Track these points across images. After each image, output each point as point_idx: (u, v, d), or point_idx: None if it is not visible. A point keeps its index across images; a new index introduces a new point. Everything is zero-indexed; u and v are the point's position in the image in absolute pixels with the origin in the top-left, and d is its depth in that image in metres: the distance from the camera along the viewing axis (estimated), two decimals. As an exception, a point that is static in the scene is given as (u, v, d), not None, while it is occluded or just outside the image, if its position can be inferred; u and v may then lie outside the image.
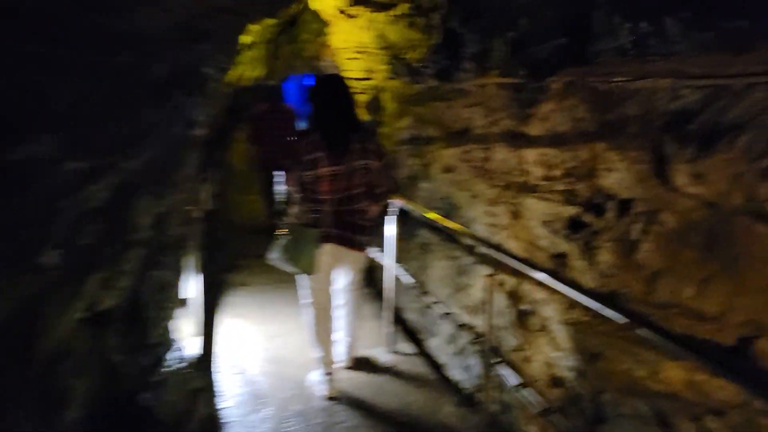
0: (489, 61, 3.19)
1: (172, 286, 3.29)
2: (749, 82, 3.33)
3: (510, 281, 4.38)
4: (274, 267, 5.23)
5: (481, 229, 5.03)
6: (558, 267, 4.15)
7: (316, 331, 3.98)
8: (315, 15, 10.81)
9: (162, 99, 2.51)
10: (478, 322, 4.45)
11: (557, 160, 4.52)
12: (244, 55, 9.96)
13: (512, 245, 4.59)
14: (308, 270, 3.54)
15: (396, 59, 4.64)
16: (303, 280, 3.95)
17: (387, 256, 4.64)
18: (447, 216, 6.00)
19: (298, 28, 11.31)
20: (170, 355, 3.26)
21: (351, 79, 9.08)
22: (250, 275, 6.21)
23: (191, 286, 4.55)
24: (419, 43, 4.39)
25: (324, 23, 10.35)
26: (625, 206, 4.07)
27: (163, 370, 2.96)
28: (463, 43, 3.24)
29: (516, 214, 4.76)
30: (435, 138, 6.29)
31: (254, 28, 9.87)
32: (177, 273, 3.51)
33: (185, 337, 4.26)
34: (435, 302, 4.58)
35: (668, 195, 3.58)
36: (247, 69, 10.21)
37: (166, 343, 3.23)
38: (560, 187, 4.54)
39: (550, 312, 4.03)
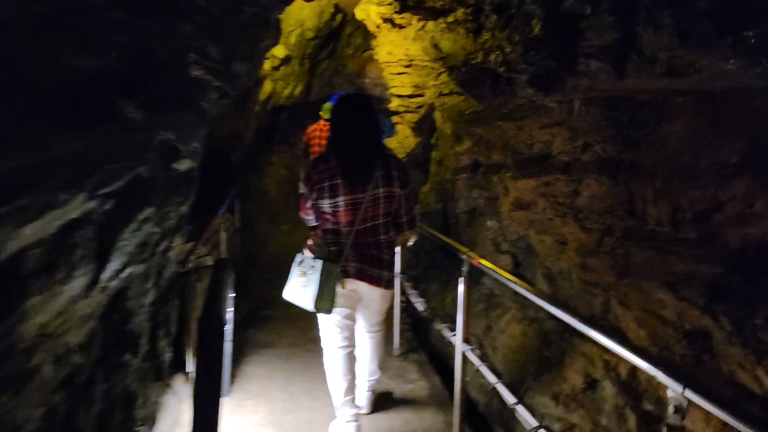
0: (642, 55, 2.03)
1: (137, 396, 2.18)
2: None
3: (624, 365, 3.18)
4: (308, 319, 4.21)
5: (573, 288, 3.83)
6: (697, 353, 2.94)
7: (332, 373, 3.45)
8: (359, 27, 9.86)
9: (94, 114, 1.40)
10: (578, 420, 3.24)
11: (687, 198, 3.31)
12: (279, 71, 9.04)
13: (621, 314, 3.39)
14: (326, 309, 3.10)
15: (465, 66, 3.52)
16: (321, 320, 3.44)
17: (455, 331, 3.47)
18: (520, 264, 4.83)
19: (340, 42, 10.37)
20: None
21: (398, 96, 8.03)
22: (276, 331, 5.10)
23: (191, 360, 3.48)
24: (492, 46, 3.27)
25: (369, 36, 9.39)
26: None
27: None
28: (582, 32, 2.11)
29: (624, 270, 3.55)
30: (503, 165, 5.14)
31: (289, 39, 8.95)
32: (152, 371, 2.39)
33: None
34: (508, 386, 3.39)
35: None
36: (282, 86, 9.28)
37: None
38: (691, 234, 3.33)
39: (689, 422, 2.81)
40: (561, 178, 4.39)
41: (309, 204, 3.20)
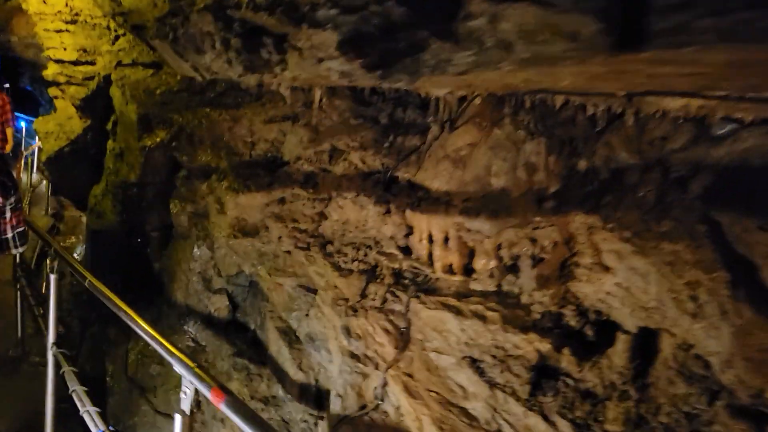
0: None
1: None
2: None
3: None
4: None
5: (331, 362, 2.67)
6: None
7: None
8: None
9: None
10: None
11: (490, 242, 2.39)
12: None
13: (407, 406, 2.34)
14: None
15: (174, 17, 2.05)
16: None
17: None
18: (239, 308, 3.51)
19: (-29, -19, 7.68)
20: None
21: (57, 61, 5.96)
22: None
23: None
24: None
25: (13, -24, 7.03)
26: (644, 342, 2.14)
27: None
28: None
29: (404, 337, 2.52)
30: (215, 170, 3.76)
31: None
32: None
33: None
34: None
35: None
36: None
37: None
38: (489, 287, 2.43)
39: None
40: (302, 195, 3.19)
41: None
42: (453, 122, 2.65)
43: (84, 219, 6.56)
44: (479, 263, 2.44)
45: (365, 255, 2.91)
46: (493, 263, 2.39)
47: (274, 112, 3.76)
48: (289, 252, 3.11)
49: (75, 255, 6.54)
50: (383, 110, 3.27)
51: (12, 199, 2.60)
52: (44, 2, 6.01)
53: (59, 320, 3.30)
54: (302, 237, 3.12)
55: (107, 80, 5.11)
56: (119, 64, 5.08)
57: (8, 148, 6.23)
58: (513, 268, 2.40)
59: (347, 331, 2.62)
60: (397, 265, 2.71)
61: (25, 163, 9.57)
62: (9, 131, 6.12)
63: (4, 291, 5.00)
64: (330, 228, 3.10)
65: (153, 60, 4.89)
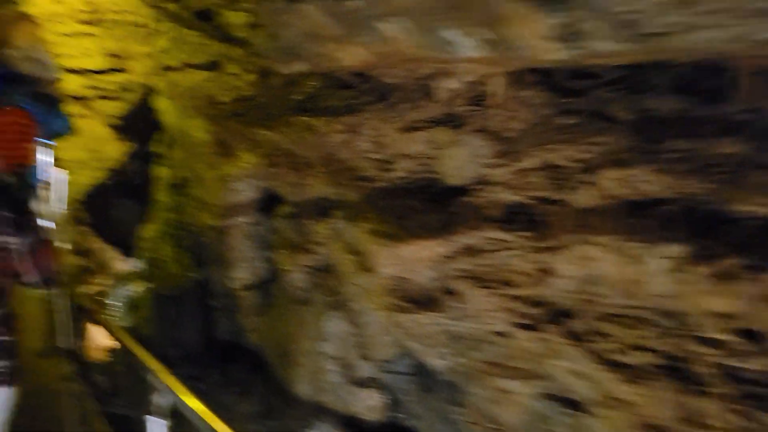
0: None
1: None
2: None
3: None
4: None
5: None
6: None
7: None
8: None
9: None
10: None
11: None
12: None
13: None
14: None
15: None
16: None
17: None
18: (401, 405, 2.40)
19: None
20: None
21: (77, 72, 4.86)
22: None
23: None
24: None
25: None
26: None
27: None
28: None
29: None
30: (337, 204, 2.64)
31: None
32: None
33: None
34: None
35: None
36: None
37: None
38: None
39: None
40: (508, 240, 2.07)
41: None
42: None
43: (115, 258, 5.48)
44: None
45: (640, 335, 1.79)
46: None
47: (415, 114, 2.65)
48: (503, 334, 1.98)
49: (111, 301, 5.47)
50: (607, 100, 2.15)
51: (31, 239, 2.17)
52: (57, 1, 4.94)
53: None
54: (520, 308, 1.99)
55: (149, 90, 4.00)
56: (165, 68, 3.96)
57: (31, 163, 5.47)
58: None
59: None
60: (737, 363, 1.59)
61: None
62: (32, 147, 5.14)
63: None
64: (559, 291, 1.98)
65: (210, 59, 3.78)
